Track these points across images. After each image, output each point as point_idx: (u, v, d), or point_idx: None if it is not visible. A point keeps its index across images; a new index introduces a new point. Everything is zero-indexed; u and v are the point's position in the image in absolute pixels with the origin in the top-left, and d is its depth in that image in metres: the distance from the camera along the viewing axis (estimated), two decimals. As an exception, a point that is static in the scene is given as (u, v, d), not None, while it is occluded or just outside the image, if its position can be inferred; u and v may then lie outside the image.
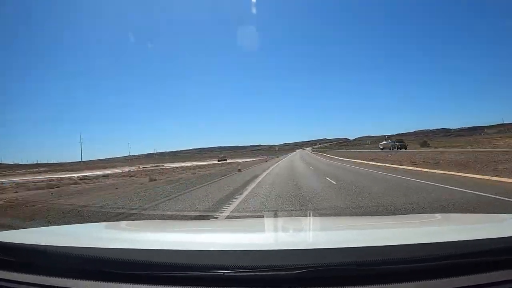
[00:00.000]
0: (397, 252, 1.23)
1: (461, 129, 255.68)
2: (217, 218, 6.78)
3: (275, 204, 8.37)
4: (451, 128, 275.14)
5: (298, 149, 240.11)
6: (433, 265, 1.20)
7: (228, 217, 6.72)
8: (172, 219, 6.40)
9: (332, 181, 13.61)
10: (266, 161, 51.18)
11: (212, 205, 8.55)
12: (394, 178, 14.02)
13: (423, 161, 20.58)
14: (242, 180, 16.15)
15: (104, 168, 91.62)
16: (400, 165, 20.79)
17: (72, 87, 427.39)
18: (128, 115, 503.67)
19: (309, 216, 5.21)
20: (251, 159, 76.12)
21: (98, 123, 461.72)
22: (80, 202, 9.62)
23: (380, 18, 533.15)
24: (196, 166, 54.88)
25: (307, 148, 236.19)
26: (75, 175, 44.86)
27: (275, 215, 6.64)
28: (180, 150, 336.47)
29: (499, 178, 11.25)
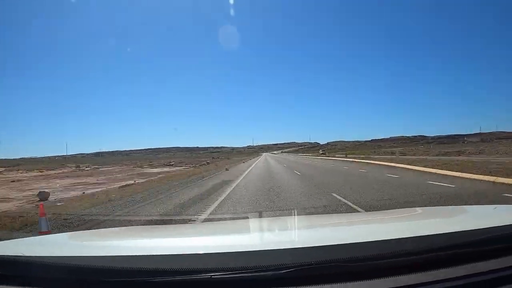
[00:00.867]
0: (382, 248, 1.24)
1: (439, 137, 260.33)
2: (201, 220, 6.94)
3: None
4: (428, 135, 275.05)
5: (264, 152, 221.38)
6: (418, 258, 1.21)
7: (212, 219, 6.95)
8: (154, 224, 6.43)
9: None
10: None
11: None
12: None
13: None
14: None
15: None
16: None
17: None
18: (69, 111, 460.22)
19: (294, 215, 4.68)
20: (155, 170, 45.34)
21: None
22: None
23: (361, 24, 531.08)
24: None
25: (276, 152, 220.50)
26: None
27: (260, 216, 6.90)
28: (133, 150, 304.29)
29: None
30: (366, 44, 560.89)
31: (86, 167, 63.62)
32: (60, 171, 52.44)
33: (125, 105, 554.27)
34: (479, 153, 41.47)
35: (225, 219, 6.69)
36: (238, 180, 16.79)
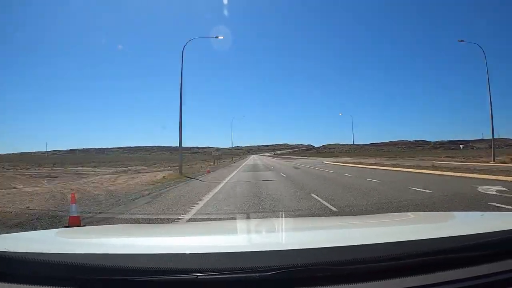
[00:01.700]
0: (370, 251, 1.24)
1: (441, 142, 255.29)
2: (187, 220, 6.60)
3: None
4: (430, 140, 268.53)
5: (253, 154, 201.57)
6: (406, 263, 1.21)
7: (199, 220, 6.72)
8: (140, 223, 6.25)
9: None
10: None
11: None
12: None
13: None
14: None
15: None
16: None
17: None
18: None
19: (281, 217, 4.87)
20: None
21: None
22: None
23: (358, 24, 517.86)
24: None
25: (266, 154, 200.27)
26: None
27: (248, 217, 6.76)
28: (110, 148, 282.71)
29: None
30: (366, 44, 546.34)
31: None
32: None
33: (109, 102, 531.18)
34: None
35: (212, 219, 6.53)
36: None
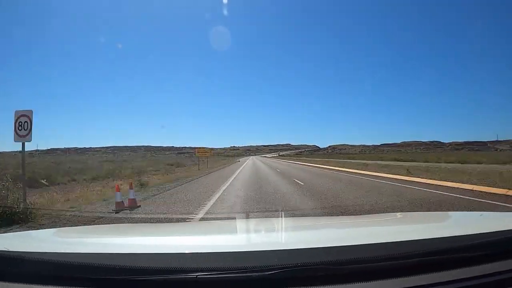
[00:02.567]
0: (369, 251, 1.25)
1: (456, 143, 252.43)
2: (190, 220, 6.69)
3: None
4: (444, 141, 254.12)
5: (251, 155, 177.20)
6: (405, 263, 1.23)
7: (200, 219, 6.86)
8: (142, 222, 6.36)
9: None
10: None
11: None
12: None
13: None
14: None
15: None
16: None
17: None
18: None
19: (281, 217, 4.90)
20: None
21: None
22: None
23: (369, 21, 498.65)
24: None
25: (268, 155, 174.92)
26: None
27: (247, 217, 6.98)
28: (93, 147, 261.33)
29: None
30: (373, 44, 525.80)
31: None
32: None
33: (102, 100, 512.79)
34: None
35: (212, 219, 6.64)
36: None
